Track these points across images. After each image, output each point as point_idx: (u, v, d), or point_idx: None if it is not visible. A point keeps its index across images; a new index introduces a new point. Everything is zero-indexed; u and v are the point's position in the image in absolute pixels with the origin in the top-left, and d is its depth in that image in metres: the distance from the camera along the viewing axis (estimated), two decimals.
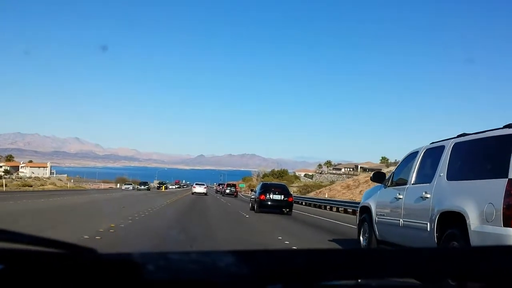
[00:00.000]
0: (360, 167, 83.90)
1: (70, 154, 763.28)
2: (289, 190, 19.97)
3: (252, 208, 19.86)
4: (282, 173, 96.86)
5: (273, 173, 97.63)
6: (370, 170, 68.74)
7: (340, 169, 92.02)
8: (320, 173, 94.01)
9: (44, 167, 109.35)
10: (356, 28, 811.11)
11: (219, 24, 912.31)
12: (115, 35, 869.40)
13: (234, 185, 50.38)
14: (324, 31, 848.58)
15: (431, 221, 5.53)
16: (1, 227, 0.76)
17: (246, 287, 0.75)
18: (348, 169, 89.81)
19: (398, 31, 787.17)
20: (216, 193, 63.20)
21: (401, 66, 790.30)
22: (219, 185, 74.75)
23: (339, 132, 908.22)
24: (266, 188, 18.61)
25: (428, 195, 5.69)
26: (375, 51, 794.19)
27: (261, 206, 18.15)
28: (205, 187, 43.29)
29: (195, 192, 41.44)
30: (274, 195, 18.10)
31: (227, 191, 46.03)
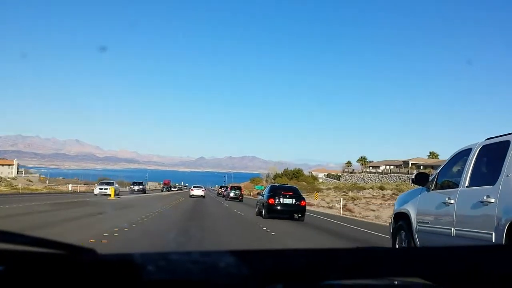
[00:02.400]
0: (412, 163, 69.78)
1: (69, 156, 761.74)
2: (301, 192, 18.96)
3: (259, 214, 18.85)
4: (297, 174, 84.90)
5: (286, 173, 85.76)
6: (426, 166, 59.87)
7: (378, 167, 78.59)
8: (351, 173, 79.85)
9: (10, 165, 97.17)
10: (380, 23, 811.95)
11: (218, 26, 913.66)
12: (115, 37, 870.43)
13: (239, 188, 45.28)
14: (329, 29, 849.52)
15: (498, 231, 4.64)
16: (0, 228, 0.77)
17: (246, 287, 0.76)
18: (390, 166, 75.68)
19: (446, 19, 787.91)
20: (217, 196, 61.61)
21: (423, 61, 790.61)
22: (221, 187, 72.21)
23: (338, 133, 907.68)
24: (276, 191, 17.53)
25: (492, 200, 4.81)
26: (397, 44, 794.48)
27: (270, 212, 17.10)
28: (203, 190, 43.63)
29: (193, 195, 41.69)
30: (284, 199, 17.13)
31: (231, 194, 41.69)
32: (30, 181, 70.63)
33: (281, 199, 17.11)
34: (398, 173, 64.57)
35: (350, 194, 43.88)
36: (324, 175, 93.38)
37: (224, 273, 0.74)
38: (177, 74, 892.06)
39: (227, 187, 67.92)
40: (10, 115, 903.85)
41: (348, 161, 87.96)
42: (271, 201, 17.05)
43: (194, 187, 45.32)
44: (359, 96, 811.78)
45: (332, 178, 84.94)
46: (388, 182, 57.76)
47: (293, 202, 17.20)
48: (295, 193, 17.80)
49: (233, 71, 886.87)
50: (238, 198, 40.40)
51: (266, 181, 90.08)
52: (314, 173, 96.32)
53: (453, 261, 0.88)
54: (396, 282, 1.07)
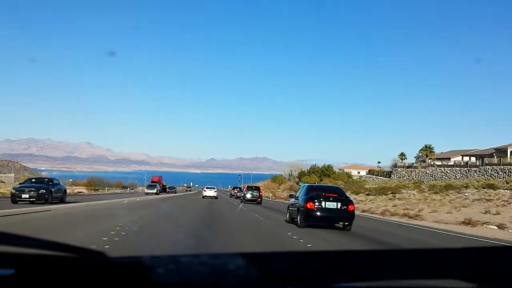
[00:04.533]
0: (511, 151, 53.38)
1: (81, 159, 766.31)
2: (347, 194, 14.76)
3: (291, 221, 14.84)
4: (326, 171, 72.79)
5: (314, 171, 74.47)
6: None
7: (447, 159, 61.78)
8: (408, 167, 63.50)
9: None
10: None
11: (226, 28, 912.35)
12: (124, 40, 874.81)
13: (257, 188, 37.88)
14: (340, 29, 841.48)
15: None
16: (12, 232, 0.78)
17: None
18: (470, 158, 58.83)
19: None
20: (230, 197, 57.69)
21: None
22: (233, 188, 67.04)
23: (349, 134, 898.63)
24: (315, 193, 13.44)
25: None
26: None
27: (309, 218, 13.03)
28: (215, 191, 43.45)
29: (205, 196, 41.47)
30: (327, 203, 12.98)
31: (248, 195, 34.99)
32: (2, 182, 59.62)
33: (323, 203, 12.97)
34: (493, 164, 48.33)
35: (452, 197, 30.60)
36: (368, 172, 78.19)
37: (234, 275, 0.73)
38: (187, 76, 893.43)
39: (240, 188, 63.82)
40: (23, 119, 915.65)
41: (402, 153, 68.95)
42: (309, 205, 12.91)
43: (206, 188, 45.36)
44: (367, 96, 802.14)
45: (376, 175, 70.67)
46: (489, 178, 42.22)
47: (339, 207, 13.05)
48: (341, 195, 13.64)
49: (243, 72, 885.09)
50: (257, 200, 34.43)
51: (289, 179, 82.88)
52: (346, 170, 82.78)
53: (461, 261, 0.87)
54: (405, 284, 1.03)
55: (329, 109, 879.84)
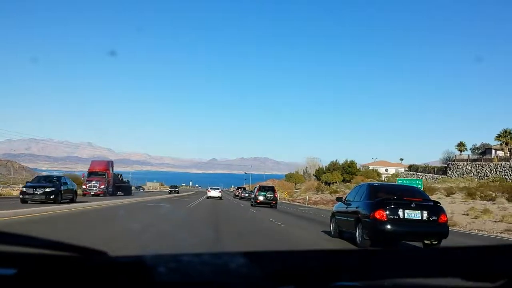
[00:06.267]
0: None
1: (82, 159, 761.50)
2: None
3: (339, 235, 10.43)
4: (349, 168, 62.61)
5: (335, 167, 64.38)
6: None
7: None
8: (475, 161, 48.80)
9: None
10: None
11: (227, 28, 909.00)
12: (125, 41, 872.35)
13: (272, 189, 30.52)
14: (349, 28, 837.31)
15: None
16: (13, 231, 0.78)
17: None
18: None
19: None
20: (234, 197, 53.31)
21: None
22: (238, 188, 62.66)
23: (349, 133, 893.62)
24: (385, 196, 8.79)
25: None
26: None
27: (378, 234, 8.40)
28: (220, 191, 43.62)
29: (210, 196, 41.08)
30: (406, 211, 8.30)
31: (261, 197, 28.63)
32: None
33: (401, 211, 8.27)
34: None
35: None
36: (409, 167, 63.85)
37: (235, 274, 0.72)
38: (188, 76, 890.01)
39: (244, 188, 58.52)
40: (24, 119, 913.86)
41: (461, 142, 53.24)
42: (379, 214, 8.21)
43: (211, 188, 44.90)
44: (367, 96, 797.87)
45: (422, 172, 56.57)
46: None
47: (425, 217, 8.35)
48: (426, 200, 8.92)
49: (244, 74, 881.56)
50: (271, 203, 28.41)
51: (304, 177, 77.49)
52: (371, 167, 71.76)
53: (460, 261, 0.87)
54: (403, 283, 1.02)
55: (329, 109, 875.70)
